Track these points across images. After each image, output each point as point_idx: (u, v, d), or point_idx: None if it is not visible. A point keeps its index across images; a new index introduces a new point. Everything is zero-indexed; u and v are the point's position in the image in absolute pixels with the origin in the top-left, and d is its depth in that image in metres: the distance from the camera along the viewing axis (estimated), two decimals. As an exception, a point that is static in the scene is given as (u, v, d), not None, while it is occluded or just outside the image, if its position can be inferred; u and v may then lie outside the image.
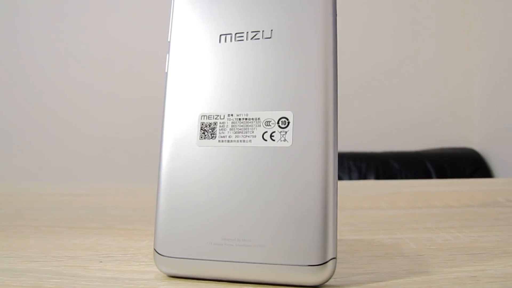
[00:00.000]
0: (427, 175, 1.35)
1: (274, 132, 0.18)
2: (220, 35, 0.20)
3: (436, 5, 1.51)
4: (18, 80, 1.57)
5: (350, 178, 1.37)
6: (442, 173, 1.35)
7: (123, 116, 1.54)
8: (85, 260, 0.21)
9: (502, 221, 0.29)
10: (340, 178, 1.33)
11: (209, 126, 0.19)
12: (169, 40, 0.21)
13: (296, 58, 0.18)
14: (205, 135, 0.19)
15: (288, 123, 0.18)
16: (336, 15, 0.19)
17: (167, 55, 0.21)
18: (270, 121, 0.18)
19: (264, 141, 0.18)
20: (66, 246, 0.24)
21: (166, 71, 0.21)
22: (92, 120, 1.55)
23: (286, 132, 0.18)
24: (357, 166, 1.39)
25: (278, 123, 0.18)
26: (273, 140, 0.18)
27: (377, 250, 0.23)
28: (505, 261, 0.20)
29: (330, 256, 0.17)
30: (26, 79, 1.57)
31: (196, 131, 0.19)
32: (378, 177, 1.36)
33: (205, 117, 0.19)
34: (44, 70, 1.57)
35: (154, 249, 0.19)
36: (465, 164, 1.38)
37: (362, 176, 1.37)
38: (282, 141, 0.18)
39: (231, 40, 0.20)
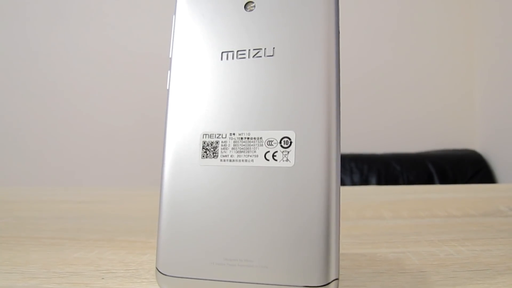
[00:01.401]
0: (428, 177, 1.35)
1: (276, 152, 0.18)
2: (222, 52, 0.20)
3: (437, 7, 1.50)
4: (18, 83, 1.57)
5: (352, 180, 1.37)
6: (444, 175, 1.35)
7: (124, 118, 1.54)
8: (87, 277, 0.21)
9: (505, 233, 0.29)
10: (342, 180, 1.33)
11: (211, 145, 0.19)
12: (170, 56, 0.21)
13: (299, 76, 0.18)
14: (207, 154, 0.19)
15: (291, 143, 0.18)
16: (338, 32, 0.19)
17: (169, 71, 0.21)
18: (272, 141, 0.18)
19: (266, 161, 0.18)
20: (68, 260, 0.24)
21: (167, 88, 0.20)
22: (94, 122, 1.55)
23: (288, 152, 0.18)
24: (358, 168, 1.39)
25: (280, 142, 0.18)
26: (276, 160, 0.18)
27: (379, 265, 0.23)
28: (509, 279, 0.20)
29: (332, 277, 0.17)
30: (25, 80, 1.57)
31: (198, 150, 0.19)
32: (380, 179, 1.36)
33: (207, 135, 0.19)
34: (44, 71, 1.57)
35: (156, 268, 0.19)
36: (467, 165, 1.38)
37: (364, 177, 1.37)
38: (285, 161, 0.18)
39: (233, 58, 0.19)
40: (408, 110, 1.50)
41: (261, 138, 0.18)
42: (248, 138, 0.18)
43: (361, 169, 1.38)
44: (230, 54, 0.20)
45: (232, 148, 0.18)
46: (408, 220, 0.34)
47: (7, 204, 0.47)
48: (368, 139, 1.49)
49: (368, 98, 1.50)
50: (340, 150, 0.18)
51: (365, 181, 1.37)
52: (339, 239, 0.17)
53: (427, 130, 1.50)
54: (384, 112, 1.51)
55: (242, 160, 0.18)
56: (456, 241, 0.27)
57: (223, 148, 0.19)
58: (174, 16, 0.21)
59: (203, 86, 0.20)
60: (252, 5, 0.20)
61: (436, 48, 1.50)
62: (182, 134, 0.19)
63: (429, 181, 1.35)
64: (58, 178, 1.54)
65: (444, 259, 0.23)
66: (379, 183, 1.36)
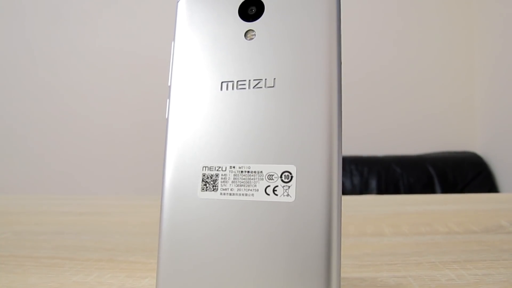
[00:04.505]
0: (429, 179, 1.35)
1: (277, 186, 0.18)
2: (222, 82, 0.19)
3: (438, 9, 1.50)
4: (16, 85, 1.57)
5: (352, 183, 1.37)
6: (444, 178, 1.35)
7: (125, 120, 1.54)
8: (86, 306, 0.21)
9: (506, 254, 0.29)
10: (342, 183, 1.33)
11: (211, 177, 0.19)
12: (169, 84, 0.21)
13: (300, 108, 0.18)
14: (206, 187, 0.18)
15: (291, 177, 0.18)
16: (340, 63, 0.19)
17: (168, 100, 0.20)
18: (273, 175, 0.18)
19: (267, 196, 0.18)
20: (67, 285, 0.24)
21: (166, 117, 0.20)
22: (94, 125, 1.55)
23: (289, 186, 0.17)
24: (359, 170, 1.38)
25: (281, 177, 0.18)
26: (276, 195, 0.18)
27: (380, 293, 0.22)
28: (511, 311, 0.20)
29: (333, 314, 0.16)
30: (23, 82, 1.57)
31: (198, 183, 0.19)
32: (380, 181, 1.36)
33: (207, 168, 0.19)
34: (44, 73, 1.57)
35: (156, 301, 0.19)
36: (467, 168, 1.38)
37: (364, 180, 1.37)
38: (285, 196, 0.17)
39: (232, 88, 0.19)
40: (409, 112, 1.50)
41: (261, 172, 0.18)
42: (248, 172, 0.18)
43: (361, 171, 1.38)
44: (230, 84, 0.19)
45: (232, 182, 0.18)
46: (409, 238, 0.34)
47: (6, 216, 0.46)
48: (368, 141, 1.48)
49: (369, 100, 1.50)
50: (341, 185, 0.18)
51: (365, 184, 1.36)
52: (340, 274, 0.17)
53: (427, 132, 1.50)
54: (384, 114, 1.51)
55: (242, 194, 0.18)
56: (457, 263, 0.27)
57: (223, 181, 0.18)
58: (173, 43, 0.21)
59: (203, 117, 0.19)
60: (253, 33, 0.20)
61: (436, 51, 1.49)
62: (181, 166, 0.19)
63: (429, 183, 1.35)
64: (59, 182, 1.54)
65: (445, 285, 0.23)
66: (379, 185, 1.36)
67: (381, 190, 1.35)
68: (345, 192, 1.34)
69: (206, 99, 0.19)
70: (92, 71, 1.55)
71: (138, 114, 1.53)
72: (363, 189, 1.36)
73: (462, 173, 1.37)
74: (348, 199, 0.56)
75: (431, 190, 1.34)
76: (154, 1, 1.53)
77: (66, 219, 0.44)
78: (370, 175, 1.38)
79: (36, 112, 1.56)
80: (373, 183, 1.37)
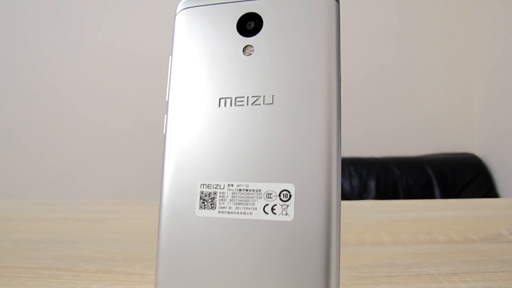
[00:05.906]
0: (427, 181, 1.35)
1: (275, 205, 0.17)
2: (220, 99, 0.19)
3: (437, 11, 1.50)
4: (15, 86, 1.57)
5: (351, 184, 1.37)
6: (443, 179, 1.35)
7: (125, 121, 1.53)
8: (83, 322, 0.21)
9: (506, 265, 0.29)
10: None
11: (209, 195, 0.18)
12: (167, 99, 0.20)
13: (299, 126, 0.18)
14: (204, 205, 0.18)
15: (290, 196, 0.17)
16: (340, 80, 0.19)
17: (165, 115, 0.20)
18: (271, 194, 0.18)
19: (265, 214, 0.18)
20: (64, 299, 0.24)
21: (164, 132, 0.20)
22: (93, 126, 1.54)
23: (287, 205, 0.17)
24: (357, 171, 1.38)
25: (279, 196, 0.18)
26: (275, 214, 0.17)
27: (379, 307, 0.22)
28: (511, 328, 0.20)
29: (332, 334, 0.16)
30: (24, 84, 1.57)
31: (195, 200, 0.18)
32: (378, 183, 1.36)
33: (205, 186, 0.19)
34: (41, 74, 1.56)
35: (153, 320, 0.18)
36: (466, 169, 1.38)
37: (363, 181, 1.37)
38: (284, 215, 0.17)
39: (231, 105, 0.19)
40: (408, 114, 1.50)
41: (260, 190, 0.18)
42: (246, 190, 0.18)
43: (360, 173, 1.38)
44: (228, 101, 0.19)
45: (231, 200, 0.18)
46: (408, 247, 0.34)
47: (4, 222, 0.46)
48: (367, 143, 1.48)
49: (367, 102, 1.50)
50: (340, 202, 0.17)
51: (364, 185, 1.36)
52: (339, 294, 0.17)
53: (426, 134, 1.50)
54: (383, 115, 1.50)
55: (241, 213, 0.18)
56: (456, 275, 0.27)
57: (221, 200, 0.18)
58: (170, 57, 0.21)
59: (201, 134, 0.19)
60: (251, 49, 0.19)
61: (435, 52, 1.49)
62: (179, 183, 0.19)
63: (428, 185, 1.35)
64: (58, 183, 1.53)
65: (445, 300, 0.23)
66: (378, 187, 1.36)
67: (380, 192, 1.35)
68: (344, 193, 1.34)
69: (204, 116, 0.19)
70: (90, 72, 1.54)
71: (138, 115, 1.52)
72: (362, 191, 1.36)
73: (461, 175, 1.37)
74: (347, 204, 0.56)
75: (430, 192, 1.34)
76: (155, 1, 1.53)
77: (64, 226, 0.44)
78: (369, 176, 1.38)
79: (34, 113, 1.56)
80: (372, 185, 1.37)
